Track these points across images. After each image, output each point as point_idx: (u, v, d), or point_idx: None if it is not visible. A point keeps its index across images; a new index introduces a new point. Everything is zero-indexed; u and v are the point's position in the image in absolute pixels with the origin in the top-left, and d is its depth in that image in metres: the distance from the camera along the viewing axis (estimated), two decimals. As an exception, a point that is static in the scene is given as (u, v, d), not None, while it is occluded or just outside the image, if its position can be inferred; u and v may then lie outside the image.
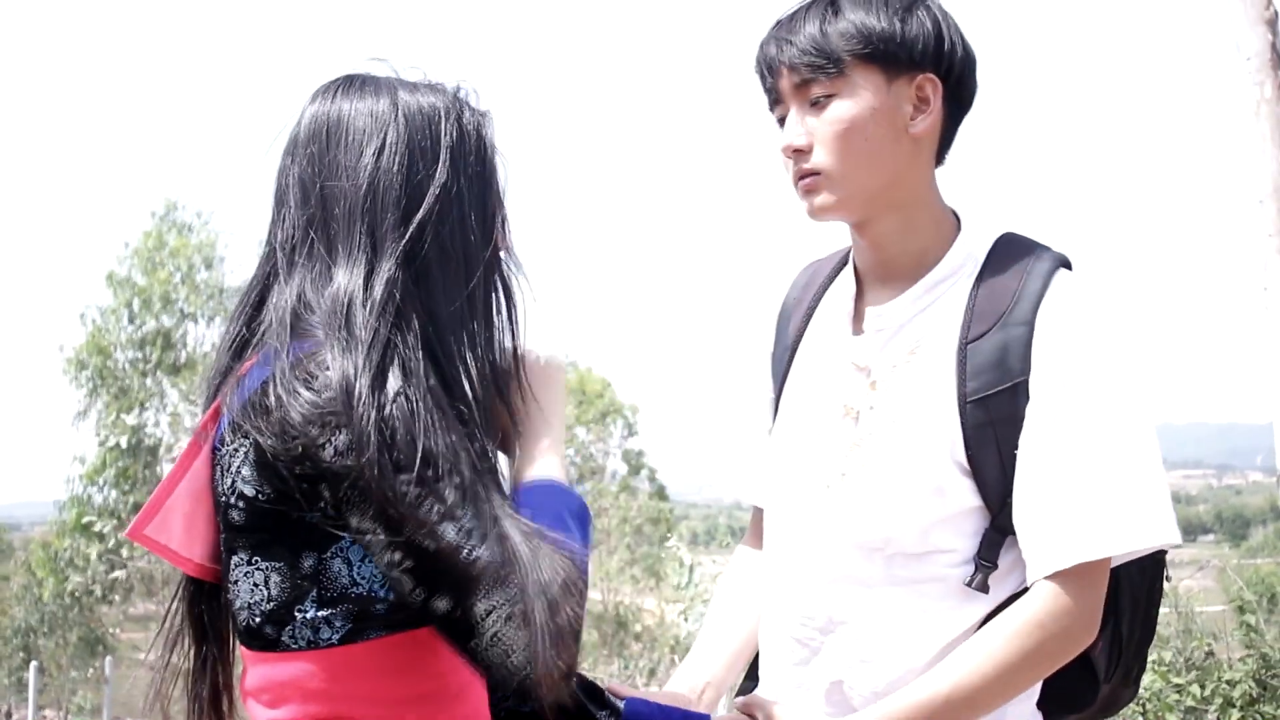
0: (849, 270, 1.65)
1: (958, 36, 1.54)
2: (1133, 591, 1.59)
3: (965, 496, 1.49)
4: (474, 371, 1.28)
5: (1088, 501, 1.43)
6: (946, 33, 1.53)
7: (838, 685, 1.55)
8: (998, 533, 1.50)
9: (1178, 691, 4.71)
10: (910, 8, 1.52)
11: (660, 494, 24.47)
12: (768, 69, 1.56)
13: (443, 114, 1.31)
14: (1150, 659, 5.14)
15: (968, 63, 1.56)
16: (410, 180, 1.27)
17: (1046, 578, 1.44)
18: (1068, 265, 1.56)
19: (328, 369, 1.19)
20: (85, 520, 18.59)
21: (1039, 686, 1.54)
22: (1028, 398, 1.47)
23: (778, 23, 1.57)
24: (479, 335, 1.29)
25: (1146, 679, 4.79)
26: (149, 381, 19.86)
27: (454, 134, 1.30)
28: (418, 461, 1.17)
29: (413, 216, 1.26)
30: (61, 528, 19.11)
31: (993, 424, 1.48)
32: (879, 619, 1.52)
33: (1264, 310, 5.30)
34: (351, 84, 1.33)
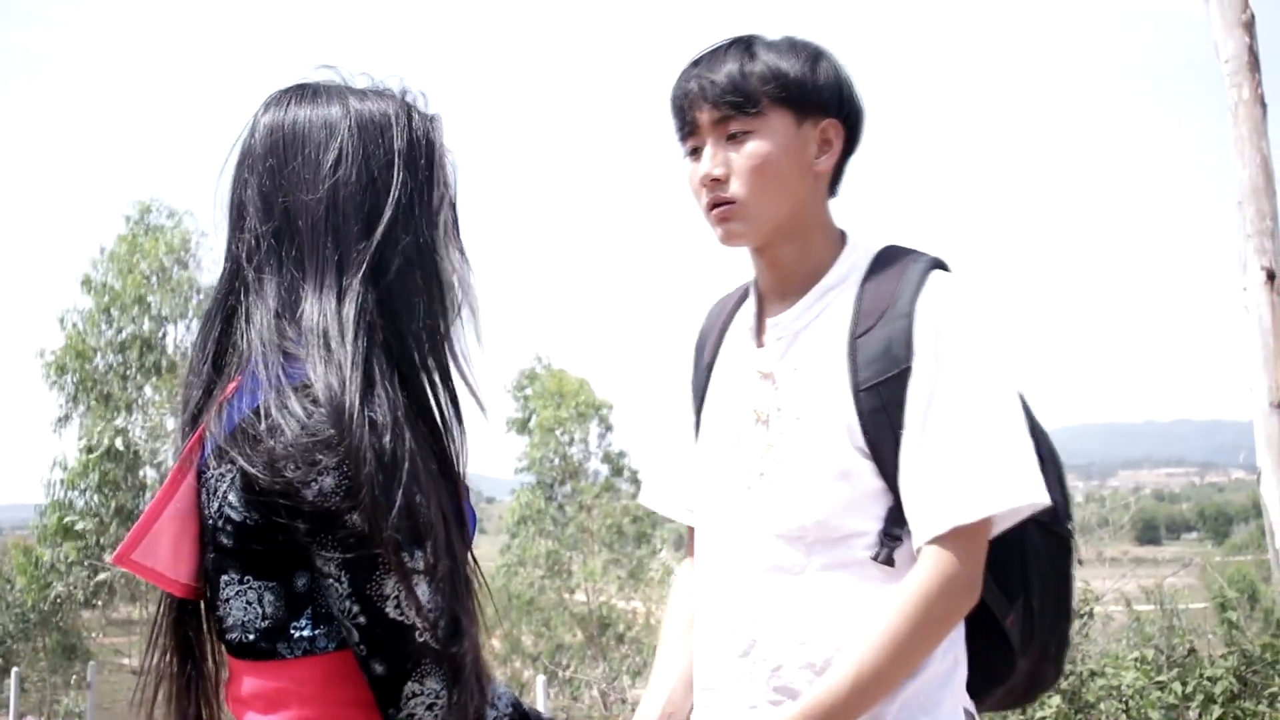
0: (751, 292, 1.82)
1: (854, 88, 1.73)
2: (1039, 565, 1.72)
3: (868, 479, 1.63)
4: (438, 380, 1.30)
5: (956, 470, 1.57)
6: (847, 83, 1.72)
7: (778, 671, 1.66)
8: (901, 510, 1.62)
9: (1160, 688, 4.75)
10: (816, 59, 1.70)
11: (643, 493, 24.38)
12: (687, 103, 1.71)
13: (393, 120, 1.32)
14: (1132, 656, 5.18)
15: (861, 112, 1.75)
16: (368, 190, 1.28)
17: (927, 544, 1.58)
18: (943, 266, 1.71)
19: (316, 394, 1.20)
20: (67, 523, 18.49)
21: (964, 673, 1.69)
22: None
23: (696, 61, 1.71)
24: (439, 343, 1.32)
25: (1129, 676, 4.82)
26: (130, 386, 19.76)
27: (404, 139, 1.31)
28: (402, 504, 1.19)
29: (374, 228, 1.27)
30: (42, 532, 19.00)
31: (885, 409, 1.62)
32: (809, 604, 1.65)
33: (1243, 309, 5.35)
34: (303, 93, 1.34)
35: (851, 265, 1.73)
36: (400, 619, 1.20)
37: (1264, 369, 5.29)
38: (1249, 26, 5.30)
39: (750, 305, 1.81)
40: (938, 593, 1.56)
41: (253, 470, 1.20)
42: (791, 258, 1.74)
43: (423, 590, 1.21)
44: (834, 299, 1.71)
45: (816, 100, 1.68)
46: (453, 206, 1.39)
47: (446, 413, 1.30)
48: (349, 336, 1.23)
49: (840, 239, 1.77)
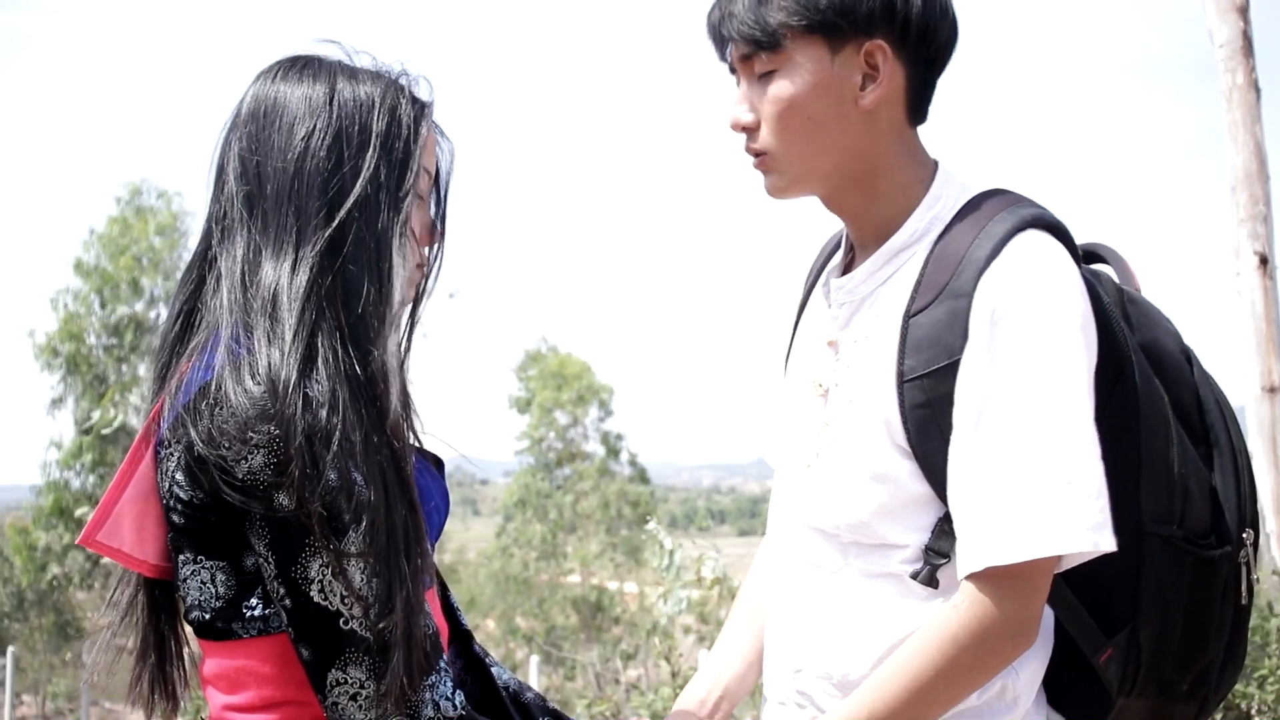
0: (843, 238, 1.57)
1: None
2: (1160, 591, 1.41)
3: (909, 483, 1.39)
4: (388, 360, 1.29)
5: (1002, 499, 1.31)
6: None
7: (798, 673, 1.50)
8: (950, 524, 1.38)
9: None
10: None
11: (641, 476, 24.44)
12: (715, 39, 1.48)
13: (377, 102, 1.31)
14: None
15: (931, 13, 1.41)
16: (336, 167, 1.28)
17: (965, 580, 1.34)
18: (1047, 224, 1.40)
19: (258, 368, 1.20)
20: (63, 504, 18.52)
21: (1033, 691, 1.44)
22: None
23: None
24: (394, 325, 1.31)
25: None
26: (124, 368, 19.75)
27: (384, 123, 1.31)
28: (336, 482, 1.17)
29: (338, 204, 1.27)
30: (38, 513, 19.02)
31: (931, 405, 1.36)
32: (838, 608, 1.46)
33: (1236, 294, 5.37)
34: (294, 66, 1.35)
35: (931, 218, 1.43)
36: (324, 604, 1.20)
37: (1256, 354, 5.32)
38: (1244, 11, 5.29)
39: (840, 254, 1.57)
40: (970, 638, 1.32)
41: (196, 447, 1.20)
42: (857, 207, 1.47)
43: (354, 573, 1.19)
44: (904, 260, 1.44)
45: (852, 19, 1.38)
46: (439, 195, 1.39)
47: (396, 391, 1.29)
48: (296, 306, 1.23)
49: (927, 179, 1.47)
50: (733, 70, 1.48)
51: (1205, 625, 1.46)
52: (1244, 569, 1.49)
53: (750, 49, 1.42)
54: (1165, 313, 1.54)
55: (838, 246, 1.60)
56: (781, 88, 1.41)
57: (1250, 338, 5.32)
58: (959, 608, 1.34)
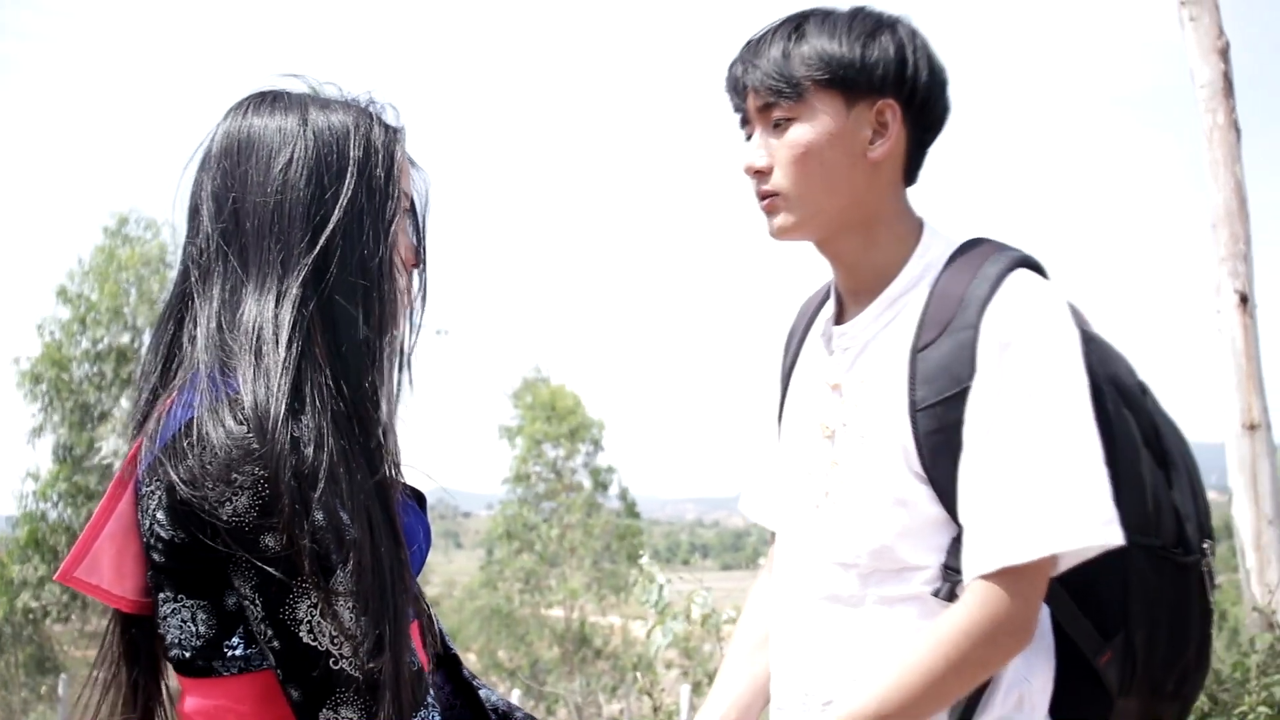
0: (831, 292, 1.69)
1: (924, 60, 1.56)
2: (1145, 596, 1.55)
3: (926, 506, 1.49)
4: (378, 391, 1.27)
5: (1011, 503, 1.42)
6: (911, 56, 1.54)
7: (829, 705, 1.54)
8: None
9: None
10: (874, 33, 1.54)
11: (631, 510, 24.36)
12: (735, 89, 1.60)
13: (351, 130, 1.31)
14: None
15: (934, 86, 1.57)
16: (317, 197, 1.27)
17: (976, 579, 1.44)
18: (1031, 265, 1.54)
19: (244, 407, 1.18)
20: (40, 538, 18.34)
21: (1046, 698, 1.54)
22: None
23: (746, 44, 1.59)
24: (380, 354, 1.29)
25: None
26: (105, 397, 19.64)
27: (361, 149, 1.30)
28: (324, 523, 1.16)
29: (320, 234, 1.26)
30: (14, 545, 18.83)
31: (944, 431, 1.47)
32: (865, 639, 1.53)
33: (1216, 332, 5.41)
34: (264, 100, 1.34)
35: (925, 265, 1.57)
36: (313, 644, 1.17)
37: (1236, 391, 5.35)
38: (1224, 53, 5.37)
39: (829, 307, 1.68)
40: (980, 634, 1.42)
41: (176, 487, 1.18)
42: (855, 254, 1.60)
43: (344, 613, 1.18)
44: (904, 305, 1.56)
45: (867, 80, 1.52)
46: (416, 221, 1.39)
47: (381, 424, 1.27)
48: (282, 341, 1.21)
49: (917, 232, 1.61)
50: (745, 122, 1.61)
51: (1185, 627, 1.60)
52: (1206, 575, 1.63)
53: (772, 98, 1.55)
54: (1118, 349, 1.68)
55: (820, 305, 1.73)
56: (800, 133, 1.54)
57: (1231, 375, 5.36)
58: (969, 607, 1.43)
